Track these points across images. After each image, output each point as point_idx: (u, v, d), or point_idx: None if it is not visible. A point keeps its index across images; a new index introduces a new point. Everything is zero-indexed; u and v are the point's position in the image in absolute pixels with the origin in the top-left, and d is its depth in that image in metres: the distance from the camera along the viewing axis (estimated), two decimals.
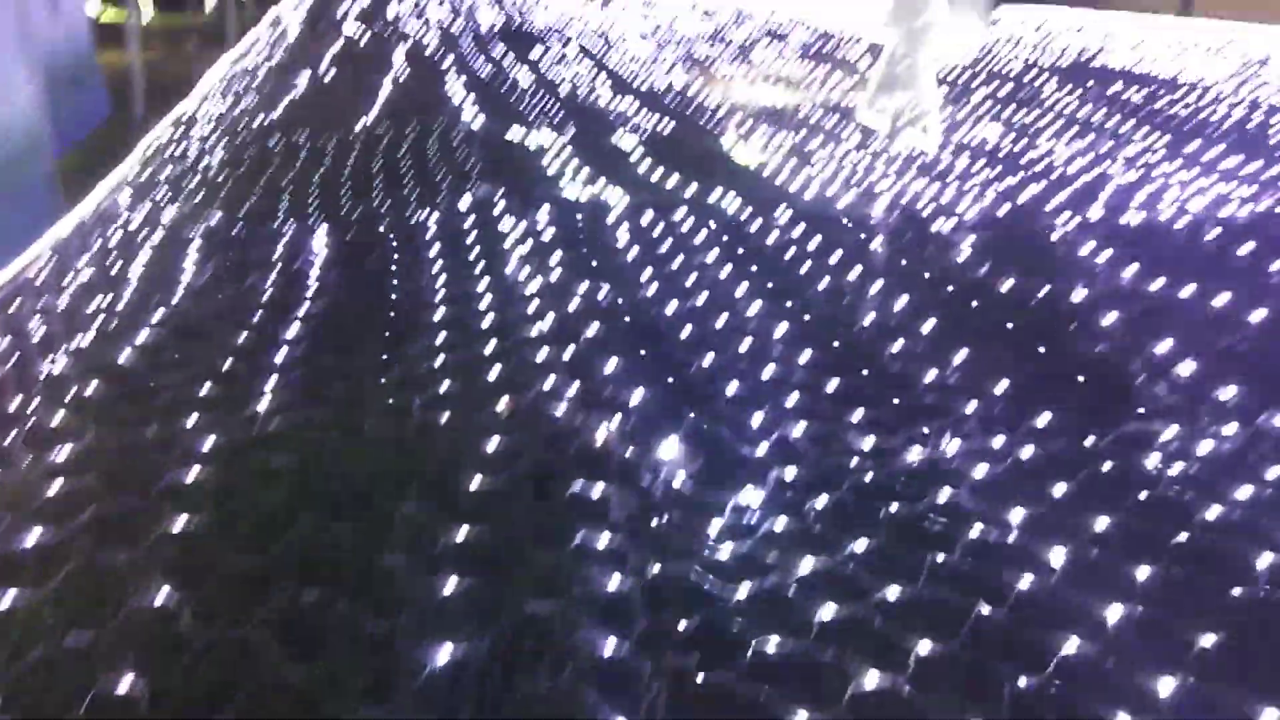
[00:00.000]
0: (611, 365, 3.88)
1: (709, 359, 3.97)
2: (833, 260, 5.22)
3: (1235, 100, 10.68)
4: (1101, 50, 14.94)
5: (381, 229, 5.58)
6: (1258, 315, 4.57)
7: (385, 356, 3.96)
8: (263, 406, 3.52)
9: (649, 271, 4.93)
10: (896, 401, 3.70)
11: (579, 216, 5.83)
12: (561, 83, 10.29)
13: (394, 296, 4.63)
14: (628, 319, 4.39)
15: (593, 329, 4.23)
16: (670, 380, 3.80)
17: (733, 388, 3.73)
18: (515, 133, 7.93)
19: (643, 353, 4.03)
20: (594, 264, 5.05)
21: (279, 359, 3.92)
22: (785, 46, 13.69)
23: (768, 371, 3.89)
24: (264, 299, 4.57)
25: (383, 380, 3.75)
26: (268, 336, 4.13)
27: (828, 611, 2.55)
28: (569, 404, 3.59)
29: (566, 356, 3.97)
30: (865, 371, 3.95)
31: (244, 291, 4.67)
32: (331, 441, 3.32)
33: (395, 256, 5.15)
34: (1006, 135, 8.47)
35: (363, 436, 3.36)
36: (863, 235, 5.70)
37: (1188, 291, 4.95)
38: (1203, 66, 13.89)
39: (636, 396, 3.63)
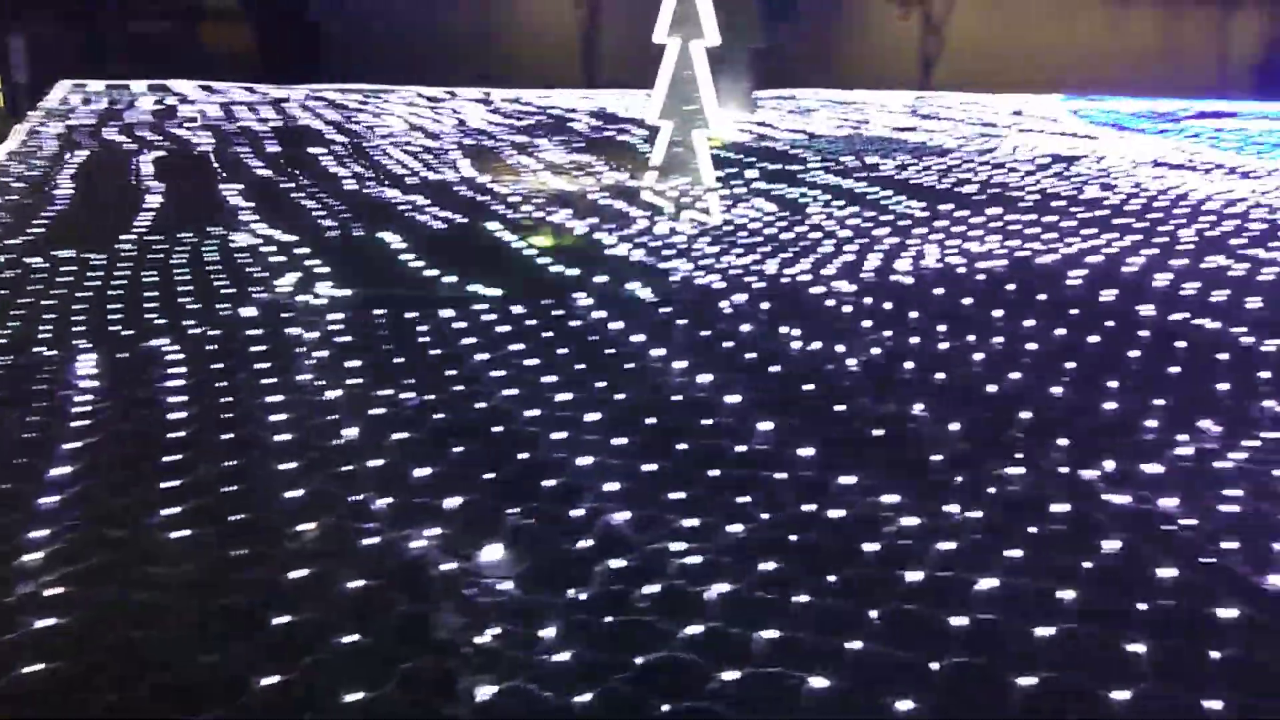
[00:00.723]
0: (422, 472, 3.74)
1: (526, 455, 3.91)
2: (635, 339, 5.31)
3: (977, 163, 11.84)
4: (859, 126, 16.21)
5: (157, 345, 5.17)
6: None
7: (172, 486, 3.62)
8: (29, 560, 3.12)
9: (453, 371, 4.82)
10: (715, 473, 3.76)
11: (375, 317, 5.66)
12: (344, 180, 10.08)
13: (176, 417, 4.27)
14: (436, 420, 4.26)
15: (399, 435, 4.08)
16: (487, 481, 3.70)
17: (552, 481, 3.67)
18: (297, 235, 7.65)
19: (454, 455, 3.91)
20: (394, 366, 4.89)
21: (45, 503, 3.50)
22: (569, 135, 14.03)
23: (585, 459, 3.86)
24: (22, 437, 4.10)
25: (171, 515, 3.42)
26: (30, 479, 3.69)
27: (667, 705, 2.51)
28: (381, 519, 3.42)
29: (374, 467, 3.79)
30: (683, 447, 4.00)
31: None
32: (114, 596, 2.97)
33: (175, 374, 4.78)
34: (780, 209, 9.00)
35: (153, 584, 3.04)
36: (660, 313, 5.85)
37: (949, 345, 5.37)
38: (944, 133, 15.35)
39: (452, 503, 3.51)
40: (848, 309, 6.03)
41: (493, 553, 3.21)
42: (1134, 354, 5.30)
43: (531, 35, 26.64)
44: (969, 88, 28.19)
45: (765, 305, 6.05)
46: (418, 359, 4.98)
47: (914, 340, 5.42)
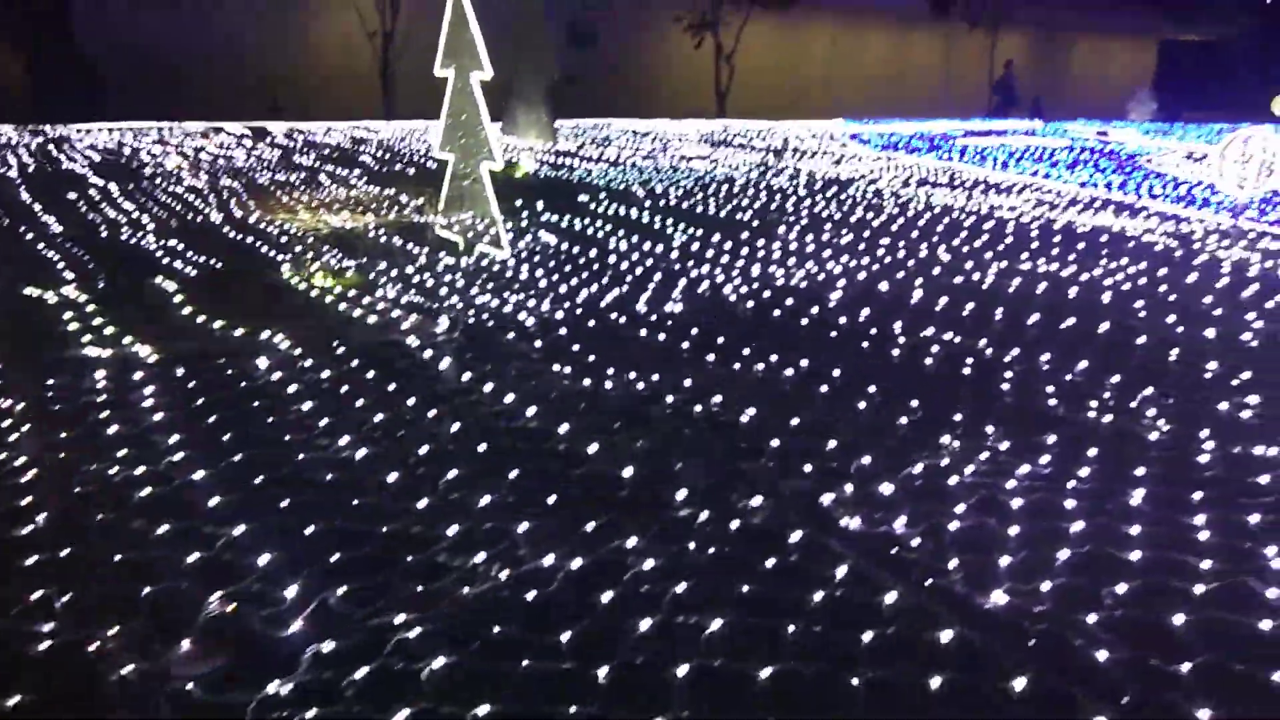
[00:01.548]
0: (114, 563, 3.34)
1: (239, 530, 3.57)
2: (390, 388, 5.04)
3: (764, 186, 12.20)
4: (650, 155, 16.45)
5: None
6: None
7: None
8: None
9: (176, 436, 4.40)
10: (452, 531, 3.55)
11: (102, 377, 5.13)
12: (101, 226, 9.28)
13: None
14: (144, 497, 3.85)
15: (95, 518, 3.65)
16: (193, 561, 3.35)
17: (264, 559, 3.36)
18: (35, 288, 6.93)
19: (162, 533, 3.53)
20: (112, 433, 4.42)
21: None
22: (352, 170, 13.54)
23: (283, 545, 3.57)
24: None
25: None
26: None
27: None
28: (60, 618, 3.01)
29: (62, 557, 3.36)
30: (424, 504, 3.77)
31: None
32: None
33: None
34: (569, 239, 8.93)
35: None
36: (436, 355, 5.60)
37: (761, 365, 5.39)
38: (736, 158, 15.77)
39: (142, 594, 3.14)
40: (642, 339, 5.97)
41: (184, 649, 2.88)
42: (883, 372, 5.47)
43: (331, 66, 25.86)
44: (761, 115, 29.40)
45: (538, 344, 5.91)
46: (145, 424, 4.53)
47: (675, 376, 5.40)
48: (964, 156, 17.35)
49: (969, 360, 5.72)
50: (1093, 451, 4.40)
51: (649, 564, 3.36)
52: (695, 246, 8.81)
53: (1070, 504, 3.87)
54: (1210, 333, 6.41)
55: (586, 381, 5.19)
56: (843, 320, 6.52)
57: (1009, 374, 5.49)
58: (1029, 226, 10.13)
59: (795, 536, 3.56)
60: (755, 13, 30.60)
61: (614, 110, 26.60)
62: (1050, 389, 5.26)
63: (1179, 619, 3.11)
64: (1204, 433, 4.68)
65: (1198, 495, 4.00)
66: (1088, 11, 39.00)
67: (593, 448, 4.33)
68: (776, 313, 6.70)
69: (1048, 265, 8.34)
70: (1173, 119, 32.71)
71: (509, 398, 4.92)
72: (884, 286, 7.49)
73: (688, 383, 5.21)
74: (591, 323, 6.37)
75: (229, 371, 5.25)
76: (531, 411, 4.74)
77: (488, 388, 5.09)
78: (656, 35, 31.51)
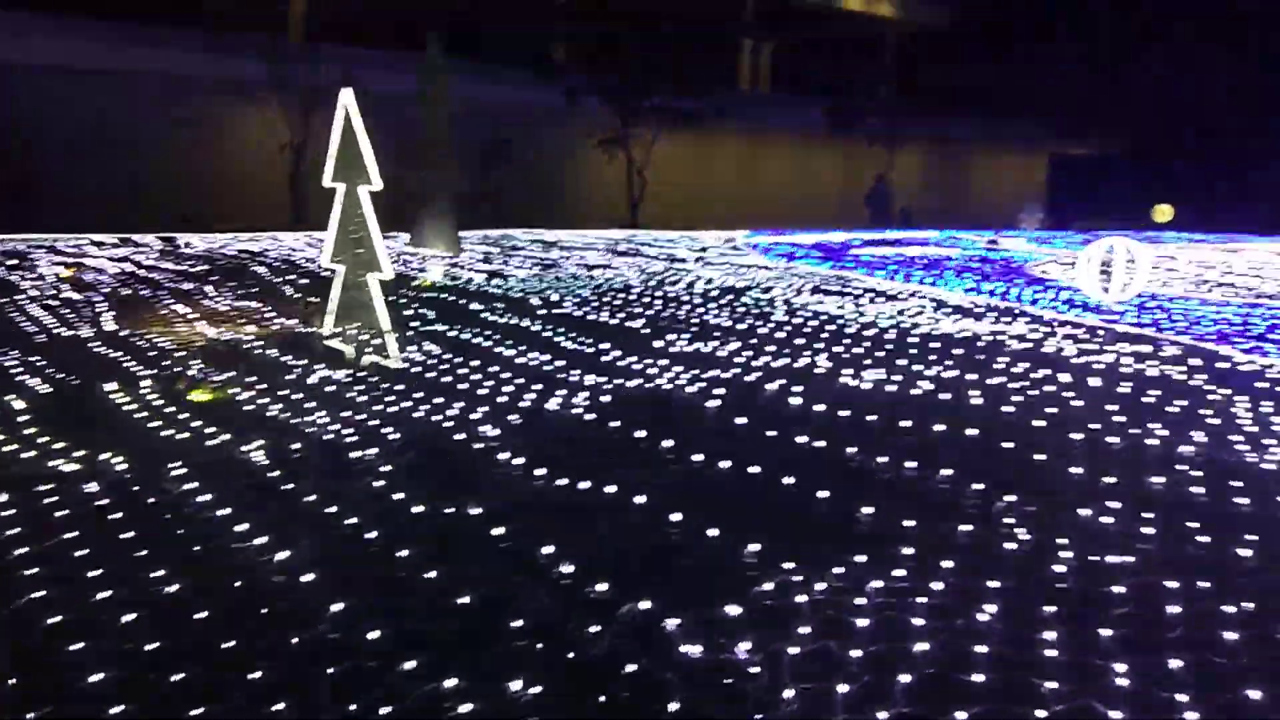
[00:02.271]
0: None
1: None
2: (241, 530, 4.72)
3: (659, 294, 12.25)
4: (551, 266, 16.51)
5: None
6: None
7: None
8: None
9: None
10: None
11: None
12: None
13: None
14: None
15: None
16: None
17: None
18: None
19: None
20: None
21: None
22: (245, 279, 13.25)
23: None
24: None
25: None
26: None
27: None
28: None
29: None
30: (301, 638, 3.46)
31: None
32: None
33: None
34: (446, 353, 8.74)
35: None
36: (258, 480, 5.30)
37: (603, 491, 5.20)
38: (642, 266, 15.88)
39: None
40: (500, 454, 5.76)
41: None
42: (746, 485, 5.35)
43: (243, 176, 25.72)
44: (673, 225, 30.04)
45: (400, 458, 5.66)
46: None
47: (554, 482, 5.20)
48: (857, 266, 17.85)
49: (836, 467, 5.64)
50: (948, 564, 4.30)
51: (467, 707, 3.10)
52: (585, 354, 8.72)
53: (919, 622, 3.74)
54: (1077, 436, 6.48)
55: (422, 508, 4.93)
56: (714, 429, 6.42)
57: (873, 483, 5.43)
58: (909, 332, 10.31)
59: (632, 666, 3.35)
60: (665, 130, 31.59)
61: (531, 221, 26.95)
62: (911, 498, 5.20)
63: None
64: (1062, 540, 4.64)
65: (1050, 609, 3.92)
66: (982, 126, 41.22)
67: (432, 573, 4.08)
68: (641, 434, 6.44)
69: (925, 370, 8.44)
70: (1063, 227, 34.41)
71: (351, 520, 4.65)
72: (766, 391, 7.47)
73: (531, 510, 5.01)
74: (441, 441, 6.13)
75: (55, 498, 4.88)
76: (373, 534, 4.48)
77: (332, 508, 4.82)
78: (572, 148, 32.23)
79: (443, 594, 3.92)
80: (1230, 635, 3.74)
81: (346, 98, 8.23)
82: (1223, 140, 42.75)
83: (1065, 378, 8.26)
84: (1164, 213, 34.35)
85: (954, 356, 9.11)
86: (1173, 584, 4.17)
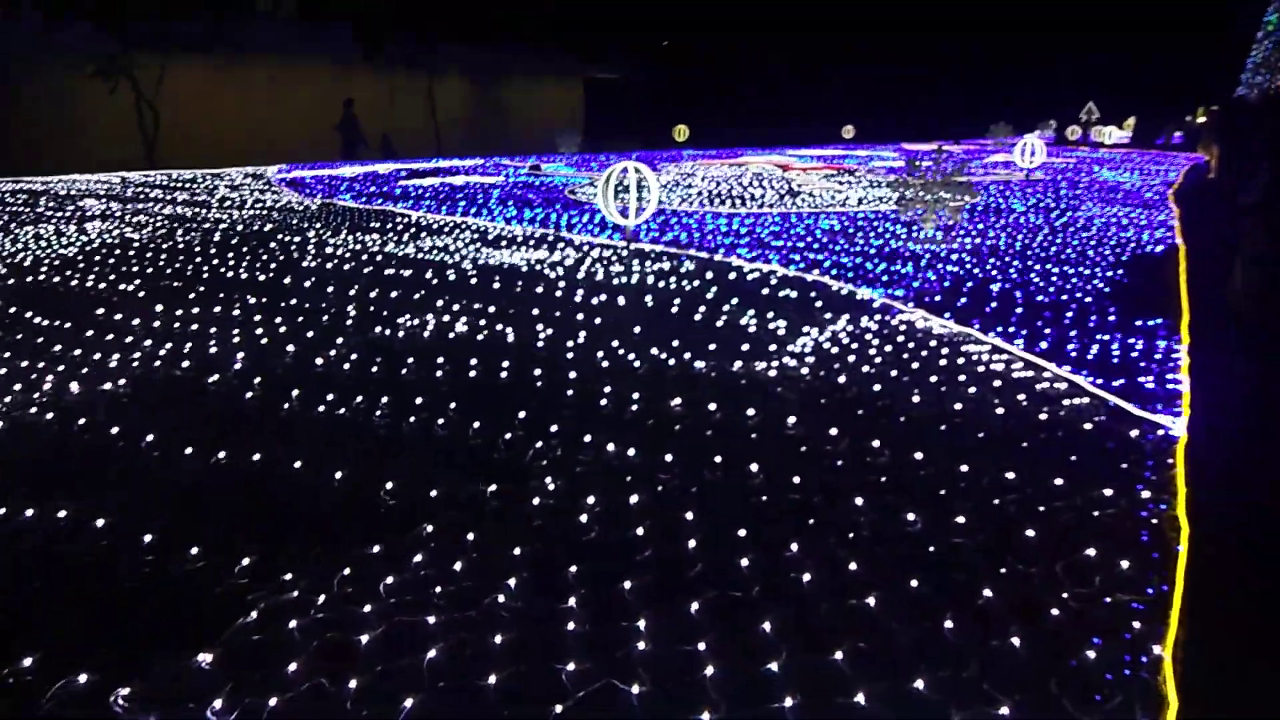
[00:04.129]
0: None
1: None
2: None
3: (173, 243, 10.52)
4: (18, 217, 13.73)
5: None
6: None
7: None
8: None
9: None
10: None
11: None
12: None
13: None
14: None
15: None
16: None
17: None
18: None
19: None
20: None
21: None
22: None
23: None
24: None
25: None
26: None
27: None
28: None
29: None
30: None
31: None
32: None
33: None
34: None
35: None
36: None
37: None
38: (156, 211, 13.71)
39: None
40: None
41: None
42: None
43: None
44: (197, 164, 26.93)
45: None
46: None
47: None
48: (400, 200, 17.07)
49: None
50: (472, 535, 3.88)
51: None
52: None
53: (431, 619, 3.26)
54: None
55: None
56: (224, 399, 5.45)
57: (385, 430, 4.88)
58: (459, 266, 9.85)
59: None
60: (177, 58, 27.88)
61: (18, 168, 22.72)
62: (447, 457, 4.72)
63: None
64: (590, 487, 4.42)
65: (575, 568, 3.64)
66: (518, 55, 41.73)
67: None
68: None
69: (471, 306, 8.01)
70: (599, 151, 36.15)
71: None
72: (289, 352, 6.56)
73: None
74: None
75: None
76: None
77: None
78: (69, 81, 27.38)
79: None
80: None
81: None
82: (721, 62, 47.60)
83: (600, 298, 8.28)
84: (682, 132, 37.54)
85: (493, 289, 8.79)
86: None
